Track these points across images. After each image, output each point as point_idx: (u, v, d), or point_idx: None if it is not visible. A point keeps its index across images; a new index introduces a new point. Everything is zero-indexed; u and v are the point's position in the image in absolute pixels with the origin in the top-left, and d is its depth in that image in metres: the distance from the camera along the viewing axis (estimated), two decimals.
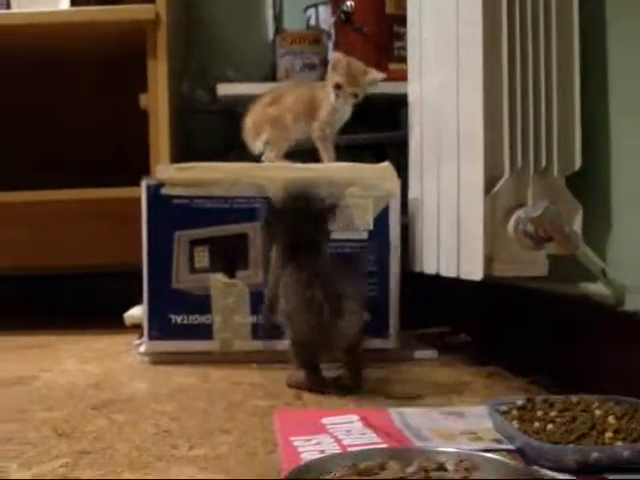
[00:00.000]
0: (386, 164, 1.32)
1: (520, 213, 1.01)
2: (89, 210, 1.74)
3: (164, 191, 1.29)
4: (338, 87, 1.41)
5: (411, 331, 1.49)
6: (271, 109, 1.45)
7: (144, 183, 1.30)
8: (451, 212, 1.16)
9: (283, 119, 1.44)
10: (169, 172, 1.29)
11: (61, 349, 1.49)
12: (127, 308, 1.53)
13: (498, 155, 1.03)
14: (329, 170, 1.32)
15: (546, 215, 0.94)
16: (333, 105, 1.42)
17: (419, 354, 1.35)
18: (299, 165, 1.37)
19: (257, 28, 2.04)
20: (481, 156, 1.03)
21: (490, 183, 1.03)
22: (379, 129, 1.69)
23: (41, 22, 1.63)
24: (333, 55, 1.45)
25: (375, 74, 1.43)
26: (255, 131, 1.46)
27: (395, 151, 1.68)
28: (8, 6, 1.68)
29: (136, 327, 1.44)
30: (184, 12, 1.90)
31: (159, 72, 1.62)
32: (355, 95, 1.42)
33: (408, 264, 1.37)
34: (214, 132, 1.90)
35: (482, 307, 1.48)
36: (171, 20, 1.66)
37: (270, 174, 1.30)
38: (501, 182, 1.03)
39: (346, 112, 1.45)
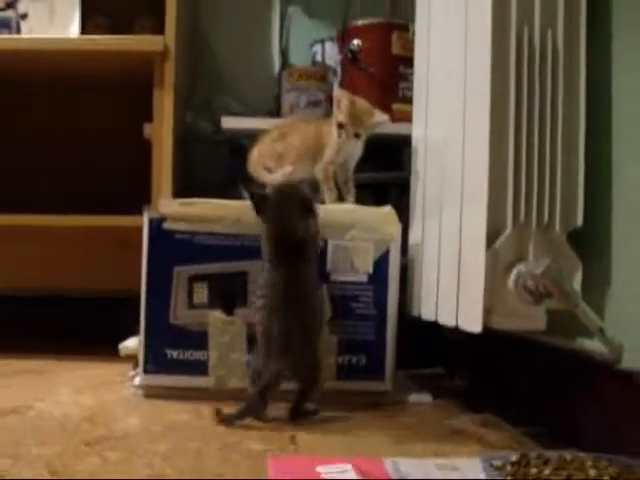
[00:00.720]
0: (388, 208, 1.33)
1: (521, 267, 1.02)
2: (90, 235, 1.75)
3: (166, 225, 1.30)
4: (341, 126, 1.42)
5: (405, 370, 1.49)
6: (278, 145, 1.47)
7: (146, 216, 1.30)
8: (451, 261, 1.17)
9: (288, 157, 1.45)
10: (172, 207, 1.30)
11: (57, 375, 1.49)
12: (124, 335, 1.53)
13: (501, 208, 1.04)
14: (331, 212, 1.33)
15: (548, 273, 0.96)
16: (336, 144, 1.43)
17: (414, 398, 1.35)
18: None
19: (263, 61, 2.06)
20: (484, 208, 1.04)
21: (492, 235, 1.04)
22: (382, 169, 1.70)
23: (49, 49, 1.64)
24: (337, 92, 1.46)
25: (379, 116, 1.44)
26: (261, 163, 1.47)
27: (397, 191, 1.69)
28: (18, 31, 1.69)
29: (131, 358, 1.44)
30: (191, 43, 1.92)
31: (165, 103, 1.63)
32: (357, 135, 1.43)
33: (406, 308, 1.38)
34: (216, 163, 1.92)
35: (478, 352, 1.48)
36: (179, 51, 1.67)
37: None
38: (503, 236, 1.04)
39: (355, 151, 1.45)
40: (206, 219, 1.30)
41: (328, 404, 1.25)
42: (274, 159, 1.46)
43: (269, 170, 1.47)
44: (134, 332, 1.44)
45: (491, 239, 1.05)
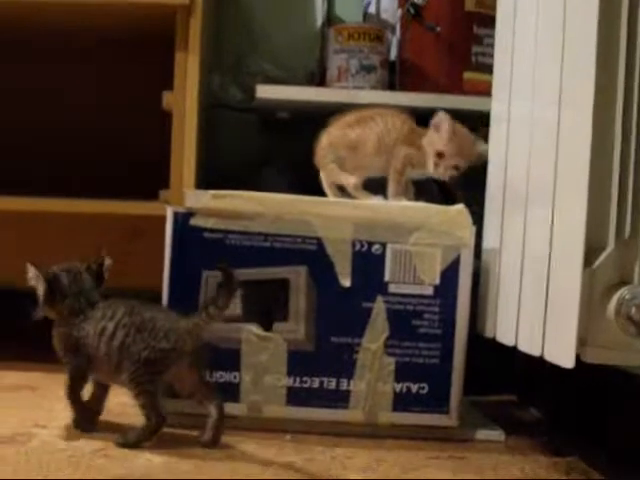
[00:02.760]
0: (460, 207, 1.35)
1: (624, 293, 1.05)
2: (95, 222, 1.79)
3: (194, 222, 1.33)
4: (440, 156, 1.45)
5: (469, 396, 1.53)
6: (354, 131, 1.48)
7: (170, 210, 1.34)
8: (538, 276, 1.19)
9: (364, 146, 1.46)
10: (203, 200, 1.33)
11: (53, 393, 1.53)
12: None
13: (603, 220, 1.06)
14: (394, 211, 1.36)
15: None
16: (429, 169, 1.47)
17: (482, 434, 1.39)
18: (357, 203, 1.41)
19: (302, 14, 2.07)
20: (583, 219, 1.06)
21: (590, 252, 1.07)
22: None
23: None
24: (438, 116, 1.46)
25: (482, 146, 1.48)
26: (331, 154, 1.48)
27: (464, 182, 1.71)
28: None
29: None
30: None
31: (189, 67, 1.65)
32: (456, 168, 1.46)
33: (477, 327, 1.41)
34: (247, 138, 1.95)
35: (557, 377, 1.51)
36: (206, 4, 1.70)
37: (320, 210, 1.34)
38: (604, 254, 1.06)
39: None
40: (242, 215, 1.33)
41: (382, 438, 1.30)
42: (348, 149, 1.48)
43: (341, 163, 1.48)
44: None
45: (589, 257, 1.07)
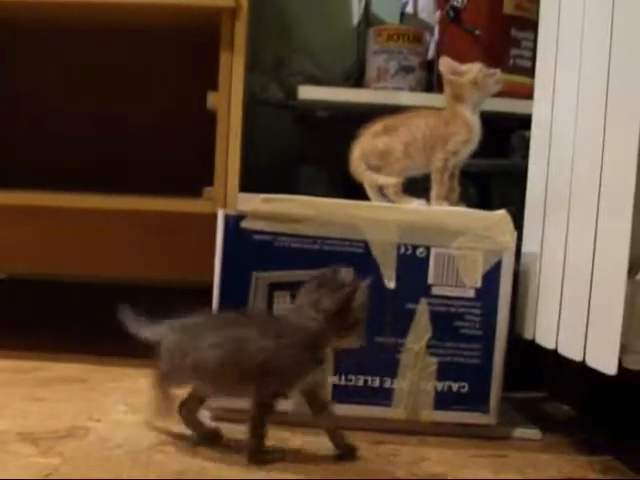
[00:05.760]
0: (502, 213, 1.39)
1: None
2: (141, 218, 1.84)
3: (244, 224, 1.38)
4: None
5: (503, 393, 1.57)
6: (382, 139, 1.52)
7: (221, 213, 1.38)
8: (581, 282, 1.23)
9: (393, 153, 1.50)
10: (254, 203, 1.37)
11: (103, 386, 1.60)
12: None
13: None
14: (438, 215, 1.40)
15: None
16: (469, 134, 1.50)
17: (520, 432, 1.43)
18: (403, 207, 1.45)
19: (340, 13, 2.11)
20: (628, 230, 1.10)
21: (634, 263, 1.11)
22: (485, 154, 1.76)
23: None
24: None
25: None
26: (363, 162, 1.52)
27: (501, 182, 1.75)
28: None
29: None
30: None
31: (235, 68, 1.70)
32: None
33: (516, 329, 1.45)
34: (285, 136, 1.99)
35: (593, 375, 1.55)
36: (250, 6, 1.74)
37: (367, 214, 1.39)
38: None
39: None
40: (291, 218, 1.38)
41: (424, 435, 1.36)
42: (378, 156, 1.52)
43: (376, 169, 1.52)
44: None
45: (633, 266, 1.11)
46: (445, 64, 1.52)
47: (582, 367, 1.44)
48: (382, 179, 1.51)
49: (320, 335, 1.20)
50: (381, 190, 1.52)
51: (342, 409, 1.33)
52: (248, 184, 1.73)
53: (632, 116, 1.11)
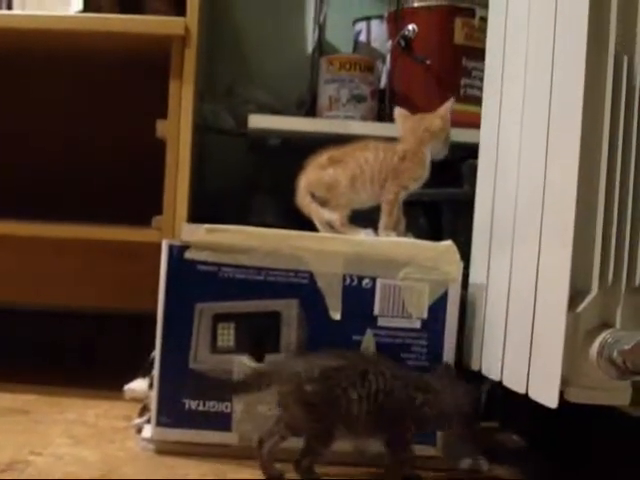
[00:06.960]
0: (448, 244, 1.39)
1: (607, 337, 1.09)
2: (89, 246, 1.83)
3: (188, 255, 1.37)
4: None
5: None
6: (327, 172, 1.51)
7: (165, 243, 1.37)
8: (524, 315, 1.23)
9: (338, 186, 1.50)
10: (198, 233, 1.36)
11: (48, 417, 1.57)
12: (120, 363, 1.60)
13: (587, 265, 1.10)
14: (384, 246, 1.40)
15: (639, 349, 1.02)
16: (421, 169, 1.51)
17: (466, 464, 1.43)
18: (349, 238, 1.44)
19: (293, 41, 2.11)
20: (568, 266, 1.10)
21: (574, 297, 1.11)
22: (435, 183, 1.76)
23: (44, 27, 1.70)
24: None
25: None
26: (308, 193, 1.52)
27: (452, 210, 1.76)
28: (9, 7, 1.76)
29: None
30: (210, 20, 1.98)
31: (184, 96, 1.69)
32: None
33: (463, 360, 1.45)
34: (237, 164, 1.98)
35: (536, 403, 1.55)
36: (200, 35, 1.73)
37: (312, 245, 1.38)
38: (588, 298, 1.10)
39: None
40: (235, 249, 1.37)
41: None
42: (324, 189, 1.51)
43: (322, 202, 1.52)
44: (143, 369, 1.53)
45: (573, 300, 1.11)
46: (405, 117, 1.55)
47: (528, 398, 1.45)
48: (327, 214, 1.50)
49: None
50: (328, 222, 1.51)
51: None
52: (200, 213, 1.72)
53: (571, 150, 1.11)
